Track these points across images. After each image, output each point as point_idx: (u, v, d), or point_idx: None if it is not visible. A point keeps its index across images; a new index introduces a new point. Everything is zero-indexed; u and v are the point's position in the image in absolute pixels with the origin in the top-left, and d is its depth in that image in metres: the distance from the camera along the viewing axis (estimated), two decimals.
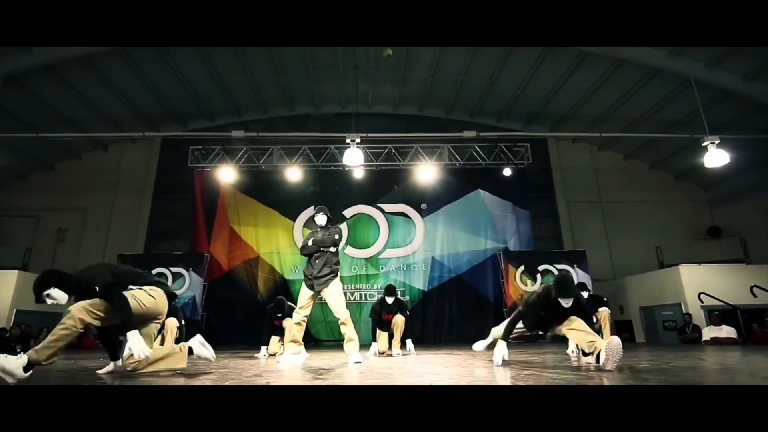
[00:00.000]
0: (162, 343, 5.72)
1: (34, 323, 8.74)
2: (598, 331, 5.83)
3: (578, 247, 12.03)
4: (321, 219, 4.55)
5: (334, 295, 4.26)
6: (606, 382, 1.92)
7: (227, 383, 1.77)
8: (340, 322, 4.25)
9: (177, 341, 5.65)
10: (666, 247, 12.52)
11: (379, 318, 5.96)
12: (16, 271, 9.01)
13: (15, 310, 8.68)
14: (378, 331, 5.97)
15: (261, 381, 2.75)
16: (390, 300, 5.94)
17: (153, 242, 12.40)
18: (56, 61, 9.61)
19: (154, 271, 9.57)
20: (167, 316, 5.68)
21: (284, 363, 4.27)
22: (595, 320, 5.83)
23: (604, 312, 5.72)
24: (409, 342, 5.80)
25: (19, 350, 7.52)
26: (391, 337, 5.88)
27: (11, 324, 8.41)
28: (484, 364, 3.78)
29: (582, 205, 13.23)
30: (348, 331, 4.21)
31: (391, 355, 5.52)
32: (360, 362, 4.00)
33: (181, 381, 1.84)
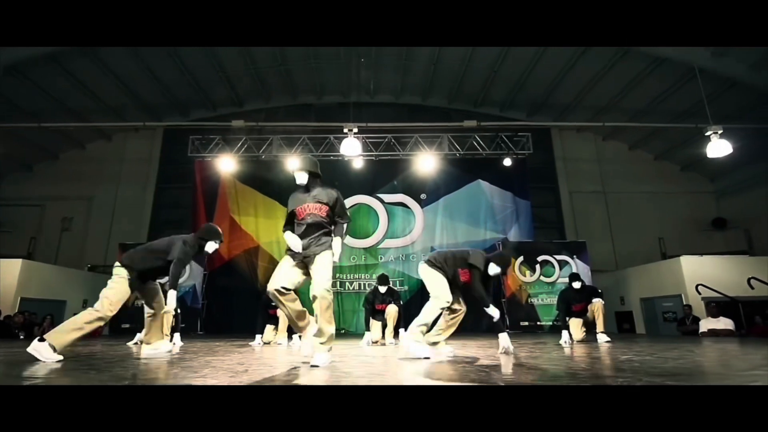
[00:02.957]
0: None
1: (37, 311, 8.90)
2: (592, 322, 5.83)
3: (581, 237, 11.96)
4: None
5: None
6: (606, 382, 1.93)
7: (219, 383, 1.80)
8: None
9: (173, 329, 5.73)
10: (670, 239, 12.41)
11: (372, 307, 6.00)
12: (20, 260, 9.14)
13: (20, 298, 8.84)
14: (371, 320, 6.00)
15: (241, 368, 2.78)
16: (383, 289, 5.97)
17: (156, 231, 12.49)
18: (57, 51, 9.66)
19: None
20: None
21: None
22: (588, 311, 5.85)
23: (597, 303, 5.69)
24: (402, 331, 5.83)
25: (21, 336, 7.69)
26: (384, 326, 5.92)
27: (16, 310, 8.57)
28: (471, 353, 3.79)
29: (585, 196, 13.13)
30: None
31: (384, 344, 5.56)
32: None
33: (173, 380, 1.87)
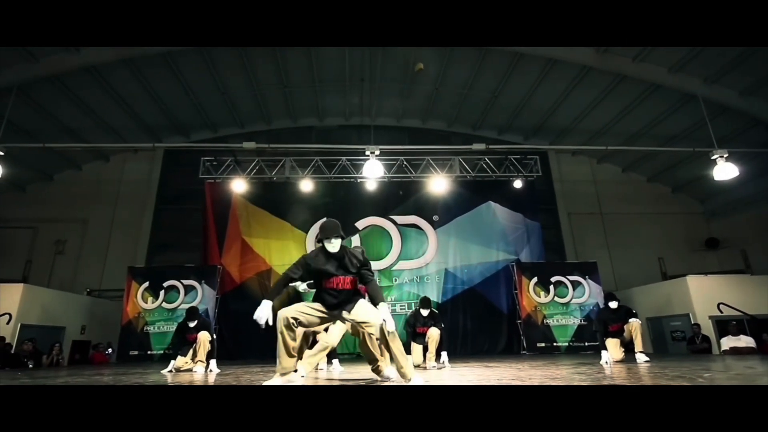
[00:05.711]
0: (194, 357, 5.61)
1: (37, 337, 8.41)
2: (630, 342, 5.92)
3: (580, 257, 12.19)
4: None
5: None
6: (607, 382, 1.96)
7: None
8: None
9: (209, 355, 5.53)
10: (666, 259, 12.80)
11: (414, 331, 5.95)
12: (21, 285, 8.69)
13: (20, 325, 8.34)
14: (412, 343, 5.94)
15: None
16: (425, 312, 5.93)
17: (155, 254, 12.15)
18: (61, 72, 9.46)
19: (165, 284, 9.38)
20: (198, 330, 5.59)
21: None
22: (625, 331, 5.95)
23: (634, 323, 5.79)
24: (444, 354, 5.78)
25: (30, 365, 7.26)
26: (425, 349, 5.86)
27: (16, 338, 8.09)
28: (531, 374, 3.79)
29: (583, 217, 13.46)
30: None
31: (425, 368, 5.49)
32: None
33: (180, 381, 1.81)
